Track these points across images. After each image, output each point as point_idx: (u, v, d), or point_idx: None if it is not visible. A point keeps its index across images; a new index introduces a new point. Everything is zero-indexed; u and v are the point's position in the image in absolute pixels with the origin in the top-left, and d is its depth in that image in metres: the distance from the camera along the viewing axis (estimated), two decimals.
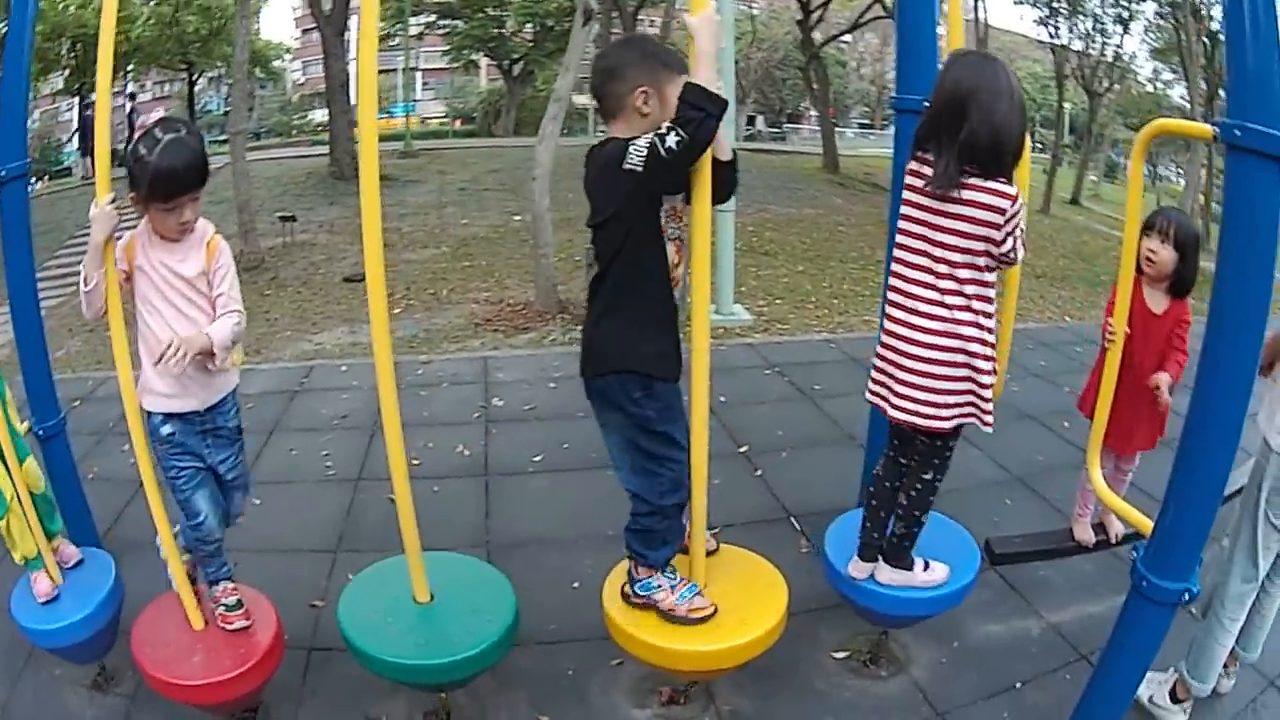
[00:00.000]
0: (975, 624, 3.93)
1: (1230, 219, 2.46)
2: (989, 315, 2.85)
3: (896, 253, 2.93)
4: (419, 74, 48.00)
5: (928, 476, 3.09)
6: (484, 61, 37.76)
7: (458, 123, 40.35)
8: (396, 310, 11.38)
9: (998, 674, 3.67)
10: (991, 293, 2.86)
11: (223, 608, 3.28)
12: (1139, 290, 3.74)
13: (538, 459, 5.69)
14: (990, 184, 2.72)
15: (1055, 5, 24.37)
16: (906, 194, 2.88)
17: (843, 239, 16.65)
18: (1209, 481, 2.66)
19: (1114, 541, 4.09)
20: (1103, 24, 25.10)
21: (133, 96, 28.67)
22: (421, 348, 9.33)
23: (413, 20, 33.08)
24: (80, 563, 3.76)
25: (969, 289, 2.81)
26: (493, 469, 5.62)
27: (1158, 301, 3.78)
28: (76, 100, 33.99)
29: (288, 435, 6.11)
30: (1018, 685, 3.62)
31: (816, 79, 25.77)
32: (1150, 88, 28.81)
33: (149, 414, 3.10)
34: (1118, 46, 25.70)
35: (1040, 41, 27.15)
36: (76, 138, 25.74)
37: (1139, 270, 3.70)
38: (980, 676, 3.66)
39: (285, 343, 9.72)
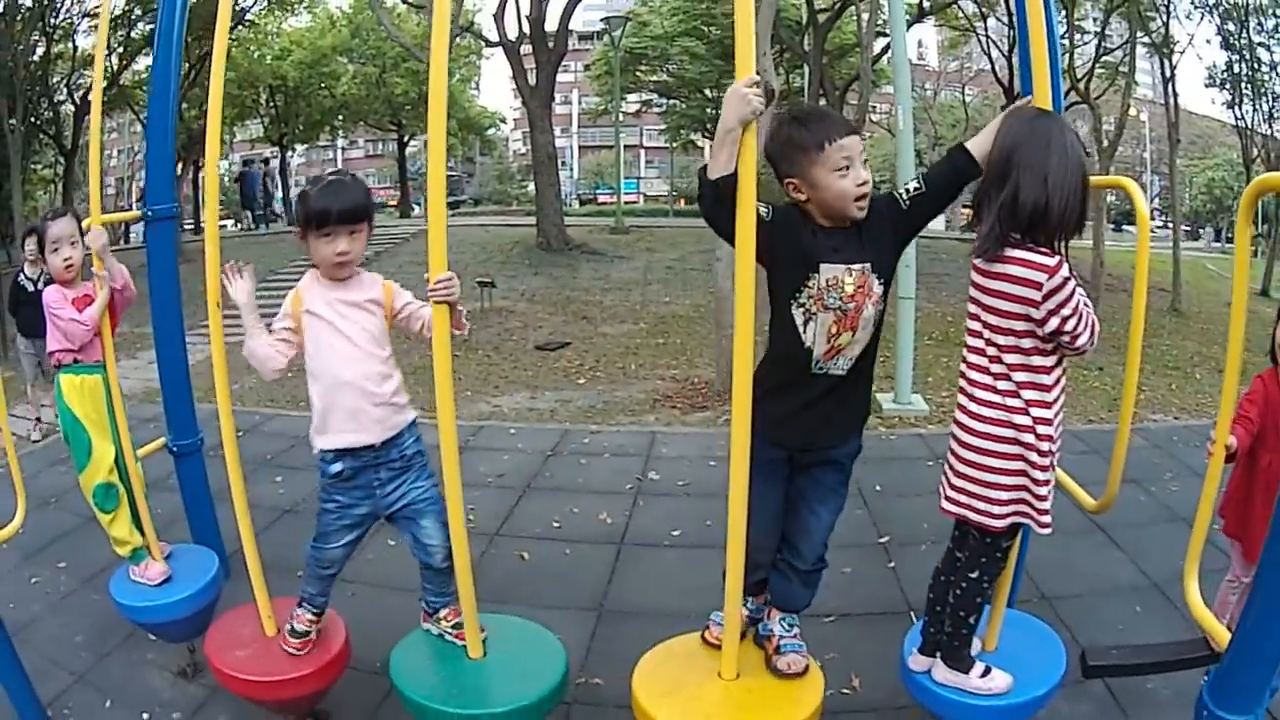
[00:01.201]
0: None
1: None
2: (1044, 406, 2.65)
3: (966, 328, 2.78)
4: (642, 151, 49.47)
5: (974, 576, 2.93)
6: (705, 143, 38.44)
7: (681, 201, 41.07)
8: (582, 380, 11.76)
9: None
10: (1046, 380, 2.65)
11: (289, 629, 3.46)
12: (1276, 381, 3.39)
13: (676, 533, 5.75)
14: (1027, 254, 2.54)
15: (1241, 87, 22.77)
16: (971, 264, 2.73)
17: None
18: None
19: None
20: None
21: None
22: (596, 418, 9.58)
23: (631, 97, 33.91)
24: (169, 555, 4.20)
25: (1017, 375, 2.63)
26: (629, 539, 5.72)
27: None
28: (278, 149, 36.28)
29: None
30: None
31: None
32: None
33: (321, 452, 3.25)
34: None
35: (1233, 125, 25.46)
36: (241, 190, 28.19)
37: (1274, 359, 3.39)
38: None
39: (464, 403, 10.12)
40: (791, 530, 3.13)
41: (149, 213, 4.39)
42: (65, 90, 25.42)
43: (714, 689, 3.04)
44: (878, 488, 6.48)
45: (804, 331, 2.82)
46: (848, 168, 2.72)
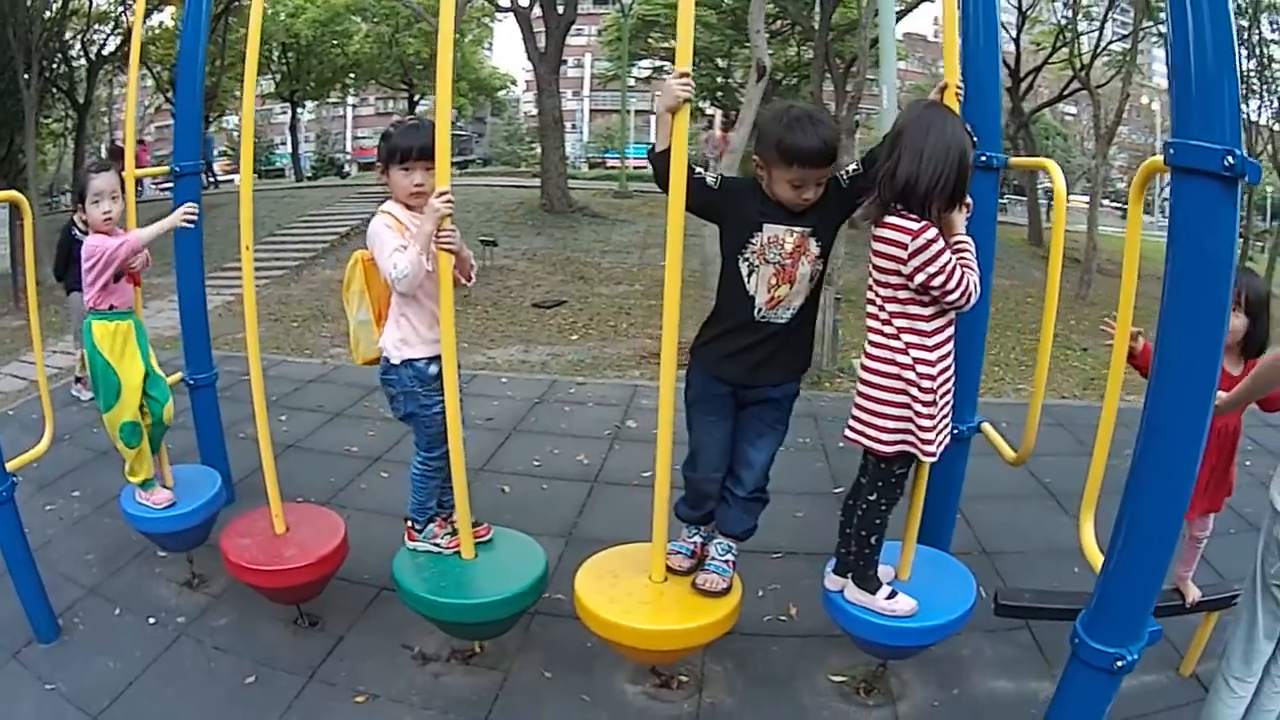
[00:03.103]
0: (985, 676, 3.98)
1: (1174, 248, 2.38)
2: (924, 349, 3.01)
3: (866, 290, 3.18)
4: (652, 117, 49.31)
5: (873, 498, 3.29)
6: (716, 112, 38.30)
7: None
8: (575, 337, 12.08)
9: None
10: (925, 327, 3.01)
11: (446, 537, 3.92)
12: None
13: (645, 475, 6.05)
14: (896, 219, 2.93)
15: (1249, 83, 22.65)
16: None
17: (1027, 310, 16.28)
18: (1152, 539, 2.60)
19: (1187, 607, 3.80)
20: None
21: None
22: (584, 371, 9.94)
23: (643, 63, 33.84)
24: (176, 479, 4.51)
25: (898, 321, 3.02)
26: (602, 478, 6.12)
27: (1234, 364, 3.56)
28: (289, 106, 36.12)
29: None
30: None
31: (1025, 150, 24.55)
32: None
33: (411, 362, 3.63)
34: None
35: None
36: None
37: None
38: None
39: (460, 354, 10.37)
40: (734, 461, 3.60)
41: (177, 169, 4.66)
42: (80, 45, 25.44)
43: (642, 588, 3.55)
44: (841, 445, 6.83)
45: (747, 281, 3.27)
46: (799, 188, 3.16)
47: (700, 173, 3.19)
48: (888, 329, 3.05)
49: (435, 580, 3.69)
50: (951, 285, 2.93)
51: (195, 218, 4.14)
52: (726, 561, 3.63)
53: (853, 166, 3.27)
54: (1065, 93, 24.56)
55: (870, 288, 3.10)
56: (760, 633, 4.15)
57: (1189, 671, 3.98)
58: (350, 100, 47.04)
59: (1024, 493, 5.92)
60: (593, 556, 3.78)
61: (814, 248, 3.27)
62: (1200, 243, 2.32)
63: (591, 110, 51.04)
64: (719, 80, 32.50)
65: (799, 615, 4.37)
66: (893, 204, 2.95)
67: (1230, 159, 2.17)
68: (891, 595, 3.41)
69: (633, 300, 14.56)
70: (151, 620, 4.31)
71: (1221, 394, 3.16)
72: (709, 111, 38.55)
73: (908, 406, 3.06)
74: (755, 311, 3.30)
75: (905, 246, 2.90)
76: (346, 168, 43.59)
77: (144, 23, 24.72)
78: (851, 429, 3.21)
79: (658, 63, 34.63)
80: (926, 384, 3.03)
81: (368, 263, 3.66)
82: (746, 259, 3.25)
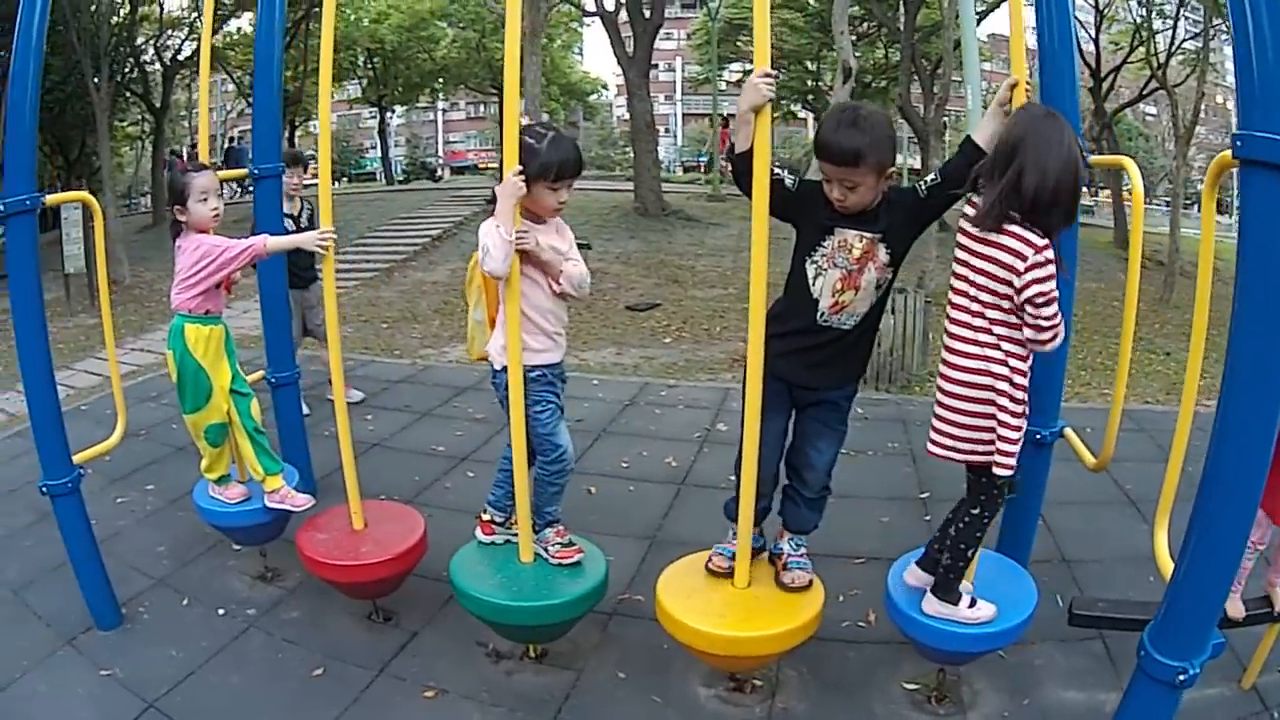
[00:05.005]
0: (1055, 686, 3.94)
1: (1244, 243, 2.32)
2: (1022, 359, 2.99)
3: (950, 288, 3.10)
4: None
5: (975, 512, 3.25)
6: (807, 114, 38.02)
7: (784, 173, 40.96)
8: (668, 340, 12.15)
9: None
10: (1020, 336, 2.97)
11: (556, 546, 3.91)
12: None
13: (733, 478, 6.13)
14: (1020, 230, 2.83)
15: None
16: (959, 230, 3.04)
17: (1113, 313, 15.72)
18: (1220, 551, 2.55)
19: (1277, 615, 3.55)
20: None
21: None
22: (676, 374, 9.99)
23: (733, 66, 33.73)
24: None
25: (998, 329, 2.95)
26: (690, 481, 6.15)
27: None
28: (377, 110, 36.84)
29: None
30: None
31: (1109, 151, 23.12)
32: None
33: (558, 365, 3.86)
34: None
35: None
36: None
37: None
38: None
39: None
40: (798, 463, 3.69)
41: (255, 171, 4.72)
42: (152, 50, 26.32)
43: (726, 595, 3.59)
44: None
45: (813, 284, 3.34)
46: (829, 183, 3.24)
47: (779, 173, 3.22)
48: (986, 338, 2.99)
49: (486, 578, 3.77)
50: (1049, 311, 2.89)
51: (331, 243, 4.05)
52: (802, 555, 3.73)
53: (931, 178, 3.29)
54: (1144, 92, 23.83)
55: (964, 294, 3.04)
56: (838, 638, 4.18)
57: (1249, 685, 3.89)
58: (440, 104, 47.68)
59: (1104, 499, 5.82)
60: (674, 563, 3.84)
61: (883, 255, 3.30)
62: (1269, 236, 2.27)
63: (684, 114, 51.09)
64: (809, 83, 32.30)
65: (877, 621, 4.38)
66: (1016, 215, 2.87)
67: None
68: (973, 604, 3.40)
69: (726, 304, 14.55)
70: (221, 611, 4.40)
71: None
72: (800, 115, 38.47)
73: (992, 417, 3.02)
74: (818, 315, 3.37)
75: (1025, 259, 2.83)
76: (439, 171, 44.27)
77: (224, 28, 26.16)
78: (938, 444, 3.17)
79: (747, 66, 34.61)
80: (1020, 395, 3.01)
81: None
82: (815, 261, 3.33)
